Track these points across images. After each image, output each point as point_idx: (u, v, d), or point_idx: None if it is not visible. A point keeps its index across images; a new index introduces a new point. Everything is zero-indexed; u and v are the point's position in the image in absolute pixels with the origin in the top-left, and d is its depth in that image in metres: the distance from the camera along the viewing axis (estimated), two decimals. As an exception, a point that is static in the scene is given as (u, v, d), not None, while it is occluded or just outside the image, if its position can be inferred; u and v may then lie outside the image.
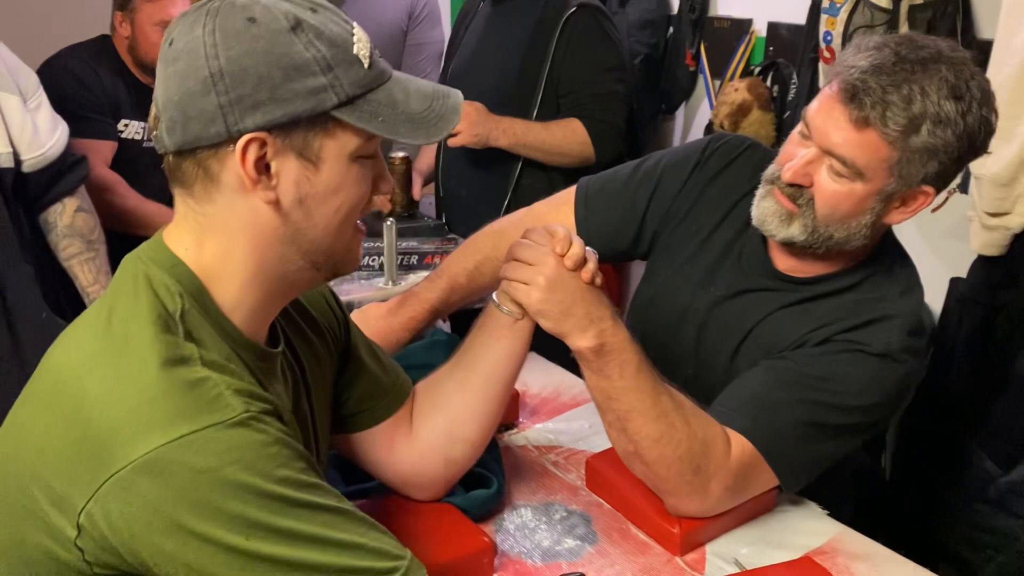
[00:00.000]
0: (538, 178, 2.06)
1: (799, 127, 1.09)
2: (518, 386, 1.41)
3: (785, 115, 2.24)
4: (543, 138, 1.99)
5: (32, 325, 1.55)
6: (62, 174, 1.64)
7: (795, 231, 1.08)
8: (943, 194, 1.80)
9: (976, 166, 1.67)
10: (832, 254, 1.12)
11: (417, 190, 2.20)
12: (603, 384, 1.02)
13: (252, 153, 0.72)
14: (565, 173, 2.11)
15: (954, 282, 1.87)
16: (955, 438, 1.85)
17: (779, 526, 1.12)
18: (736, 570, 1.03)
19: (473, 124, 1.96)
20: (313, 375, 0.92)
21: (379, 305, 1.38)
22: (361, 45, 0.75)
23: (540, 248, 0.99)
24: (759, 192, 1.13)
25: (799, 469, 1.08)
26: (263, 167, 0.73)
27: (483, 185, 2.07)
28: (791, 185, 1.07)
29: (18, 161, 1.55)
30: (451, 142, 1.98)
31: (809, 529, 1.12)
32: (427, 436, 1.03)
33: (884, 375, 1.07)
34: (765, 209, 1.11)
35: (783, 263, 1.17)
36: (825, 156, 1.04)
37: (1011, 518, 1.73)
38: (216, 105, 0.70)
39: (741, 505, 1.10)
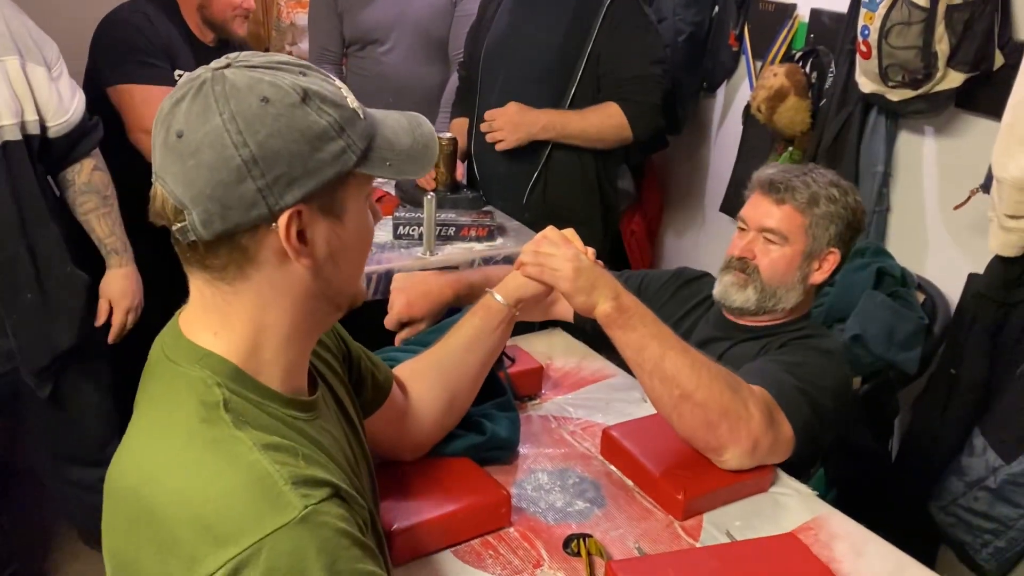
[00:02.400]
0: (568, 155, 2.15)
1: (738, 227, 1.50)
2: (542, 360, 1.53)
3: (821, 103, 2.28)
4: (583, 127, 2.07)
5: (58, 279, 1.71)
6: (82, 137, 1.75)
7: (750, 294, 1.45)
8: (961, 188, 1.89)
9: (998, 169, 1.72)
10: (776, 315, 1.47)
11: (461, 171, 2.30)
12: (632, 337, 1.17)
13: (293, 228, 0.74)
14: (595, 152, 2.20)
15: (971, 277, 1.92)
16: (961, 428, 1.92)
17: (771, 504, 1.23)
18: (727, 540, 1.15)
19: (516, 127, 2.08)
20: (337, 391, 0.96)
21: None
22: (351, 97, 0.78)
23: (563, 245, 1.20)
24: (718, 279, 1.51)
25: (803, 424, 1.24)
26: (302, 235, 0.75)
27: (516, 160, 2.16)
28: (739, 259, 1.46)
29: (43, 127, 1.67)
30: (498, 147, 2.12)
31: (798, 508, 1.22)
32: (429, 411, 1.16)
33: (834, 368, 1.37)
34: (725, 283, 1.48)
35: (735, 319, 1.51)
36: (760, 235, 1.45)
37: (1010, 507, 1.81)
38: (255, 190, 0.71)
39: (740, 483, 1.21)
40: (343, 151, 0.75)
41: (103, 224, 1.79)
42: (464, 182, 2.31)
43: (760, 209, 1.45)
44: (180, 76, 2.17)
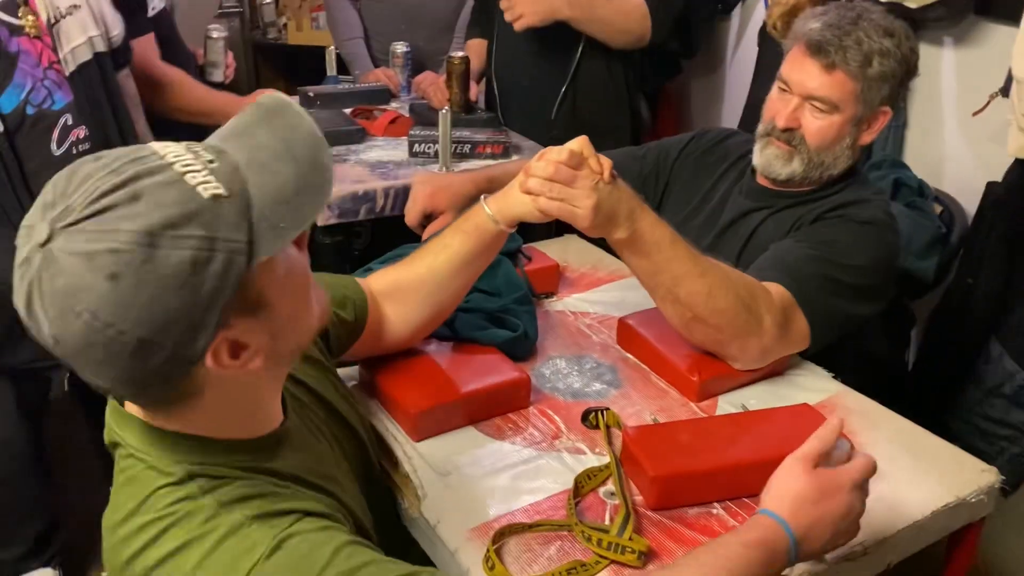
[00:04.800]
0: (598, 64, 2.10)
1: (776, 87, 1.38)
2: (558, 259, 1.55)
3: (838, 18, 2.24)
4: (608, 11, 2.01)
5: None
6: (120, 54, 1.77)
7: (796, 166, 1.35)
8: (979, 98, 1.86)
9: (1018, 69, 1.70)
10: (823, 180, 1.38)
11: (474, 91, 2.28)
12: (645, 263, 1.13)
13: (223, 352, 0.67)
14: (623, 60, 2.16)
15: (990, 186, 1.91)
16: (978, 336, 1.93)
17: (786, 383, 1.25)
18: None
19: (535, 1, 1.95)
20: (310, 383, 0.94)
21: None
22: (198, 175, 0.63)
23: (580, 176, 1.05)
24: (757, 147, 1.40)
25: (822, 315, 1.23)
26: (236, 346, 0.69)
27: (542, 74, 2.12)
28: (785, 131, 1.34)
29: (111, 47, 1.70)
30: (517, 25, 1.98)
31: (814, 387, 1.24)
32: (411, 327, 1.14)
33: (872, 239, 1.30)
34: (768, 155, 1.38)
35: (768, 184, 1.43)
36: (806, 102, 1.32)
37: (1025, 413, 1.82)
38: (162, 360, 0.63)
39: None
40: (228, 262, 0.63)
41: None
42: (479, 104, 2.30)
43: (806, 72, 1.30)
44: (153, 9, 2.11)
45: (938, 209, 2.04)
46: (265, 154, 0.67)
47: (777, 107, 1.35)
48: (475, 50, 2.31)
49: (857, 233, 1.29)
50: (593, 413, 1.13)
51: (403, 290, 1.13)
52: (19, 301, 0.63)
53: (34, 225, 0.62)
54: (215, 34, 2.38)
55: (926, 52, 2.15)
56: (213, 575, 0.68)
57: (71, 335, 0.61)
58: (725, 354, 1.19)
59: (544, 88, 2.15)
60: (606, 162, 1.07)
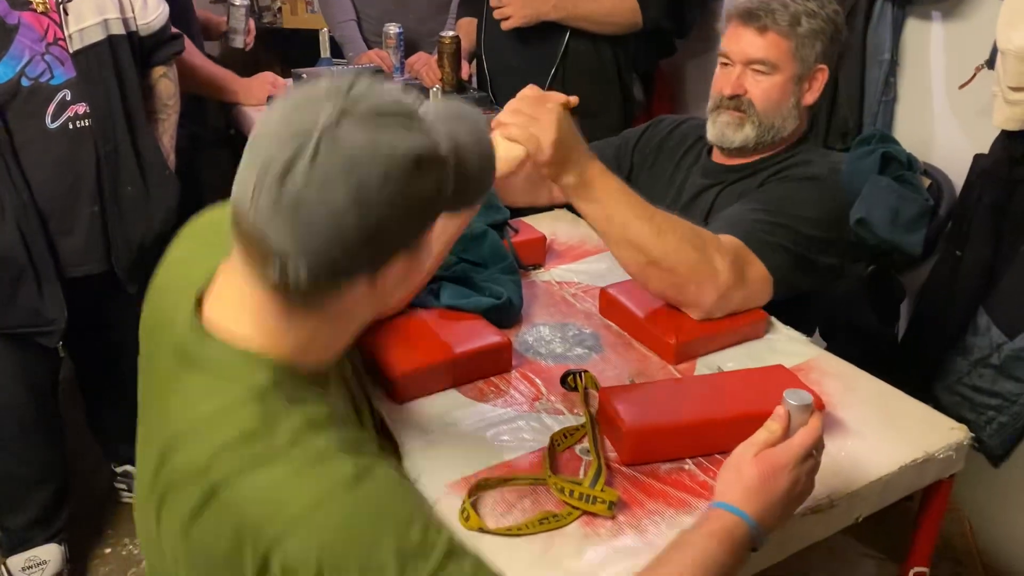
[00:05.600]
0: (585, 45, 2.13)
1: (719, 64, 1.46)
2: (547, 233, 1.57)
3: None
4: (593, 8, 2.05)
5: (159, 180, 1.77)
6: (160, 44, 1.81)
7: (748, 131, 1.43)
8: (968, 72, 1.87)
9: (1002, 40, 1.71)
10: (776, 145, 1.45)
11: (466, 70, 2.30)
12: (596, 209, 1.20)
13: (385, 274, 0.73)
14: (612, 41, 2.19)
15: (977, 158, 1.92)
16: (967, 307, 1.94)
17: (765, 348, 1.28)
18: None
19: (525, 4, 2.03)
20: None
21: None
22: (435, 125, 0.73)
23: (547, 108, 1.15)
24: (709, 120, 1.47)
25: (777, 259, 1.28)
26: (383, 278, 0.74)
27: (531, 55, 2.15)
28: (732, 98, 1.42)
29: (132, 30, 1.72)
30: (504, 25, 2.06)
31: (791, 351, 1.27)
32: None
33: (815, 193, 1.38)
34: (720, 124, 1.45)
35: (723, 160, 1.50)
36: (747, 68, 1.42)
37: (1012, 382, 1.84)
38: (367, 257, 0.70)
39: (733, 329, 1.26)
40: (442, 207, 0.75)
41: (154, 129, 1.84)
42: (470, 82, 2.32)
43: (743, 40, 1.41)
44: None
45: (927, 182, 2.06)
46: (465, 138, 0.77)
47: (722, 81, 1.45)
48: (465, 29, 2.34)
49: (799, 189, 1.37)
50: (572, 375, 1.16)
51: None
52: (277, 152, 0.67)
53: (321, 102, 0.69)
54: (237, 1, 2.47)
55: (915, 27, 2.16)
56: (300, 493, 0.68)
57: (319, 203, 0.66)
58: (684, 300, 1.24)
59: (534, 69, 2.17)
60: (573, 99, 1.19)
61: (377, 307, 0.79)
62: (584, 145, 1.20)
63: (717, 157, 1.51)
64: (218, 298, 0.77)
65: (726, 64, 1.44)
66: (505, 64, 2.23)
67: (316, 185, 0.66)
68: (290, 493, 0.68)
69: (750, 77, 1.41)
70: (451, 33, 2.16)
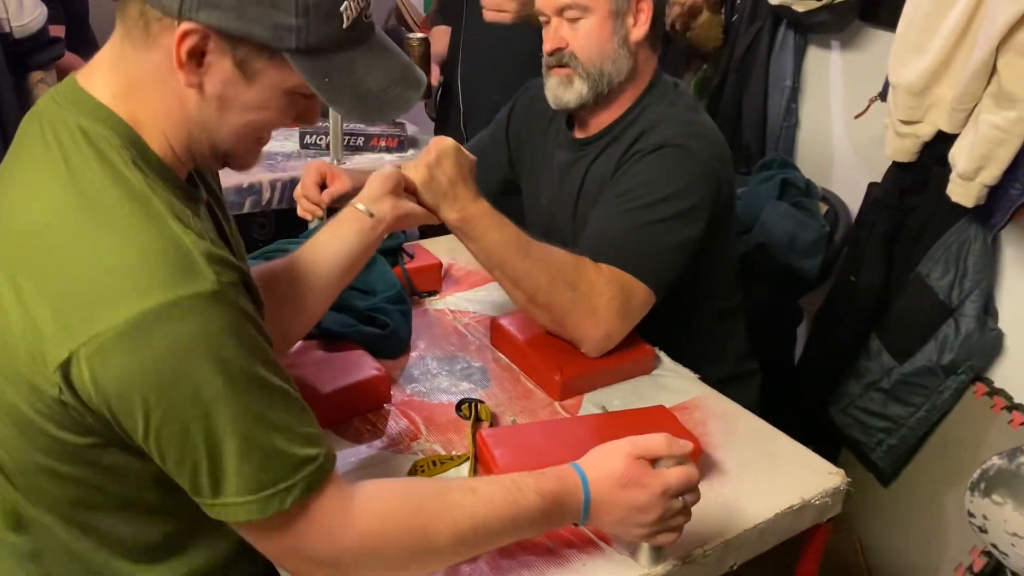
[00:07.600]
0: None
1: (542, 24, 1.38)
2: (445, 259, 1.54)
3: (733, 18, 2.29)
4: None
5: None
6: (37, 49, 1.73)
7: (579, 87, 1.35)
8: (865, 102, 1.90)
9: (893, 75, 1.75)
10: (618, 97, 1.38)
11: (435, 75, 2.16)
12: (477, 247, 1.20)
13: (189, 42, 0.72)
14: None
15: (871, 186, 1.97)
16: (860, 333, 1.99)
17: (652, 385, 1.27)
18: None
19: (524, 4, 1.89)
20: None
21: None
22: (352, 5, 0.75)
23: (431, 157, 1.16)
24: (545, 86, 1.39)
25: (655, 266, 1.25)
26: (199, 55, 0.73)
27: (512, 90, 1.87)
28: (553, 54, 1.35)
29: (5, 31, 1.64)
30: (492, 17, 1.79)
31: (678, 388, 1.26)
32: (292, 329, 1.07)
33: (667, 164, 1.29)
34: (552, 86, 1.38)
35: (580, 132, 1.45)
36: (560, 18, 1.34)
37: (901, 406, 1.89)
38: None
39: (620, 366, 1.25)
40: (287, 29, 0.72)
41: None
42: (438, 88, 2.21)
43: None
44: None
45: (824, 208, 2.10)
46: (385, 62, 0.80)
47: (544, 40, 1.38)
48: (439, 35, 2.22)
49: (653, 165, 1.29)
50: (467, 403, 1.14)
51: (272, 289, 1.02)
52: None
53: None
54: None
55: (815, 55, 2.21)
56: (151, 266, 0.69)
57: None
58: (569, 337, 1.23)
59: (512, 70, 1.91)
60: (471, 159, 1.20)
61: (203, 109, 0.76)
62: (472, 185, 1.18)
63: (576, 132, 1.46)
64: (87, 68, 0.79)
65: (546, 22, 1.37)
66: (484, 99, 2.03)
67: None
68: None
69: (567, 28, 1.34)
70: (420, 35, 2.05)
